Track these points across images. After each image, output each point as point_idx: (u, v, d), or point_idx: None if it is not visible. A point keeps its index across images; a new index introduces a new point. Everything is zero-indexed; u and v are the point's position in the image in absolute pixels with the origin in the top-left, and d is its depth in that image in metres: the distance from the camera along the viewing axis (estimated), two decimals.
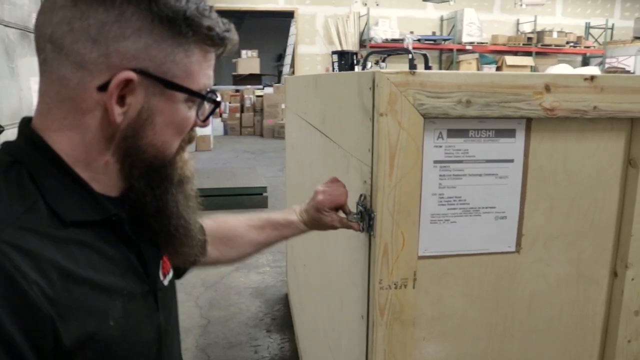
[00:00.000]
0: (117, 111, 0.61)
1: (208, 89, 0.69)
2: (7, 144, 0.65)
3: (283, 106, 10.27)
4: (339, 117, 1.28)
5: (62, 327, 0.57)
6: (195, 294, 3.38)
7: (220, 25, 0.66)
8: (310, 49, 12.16)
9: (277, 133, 10.75)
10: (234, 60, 12.75)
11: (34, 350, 0.55)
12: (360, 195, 1.03)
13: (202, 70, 0.67)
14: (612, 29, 13.30)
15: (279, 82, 12.50)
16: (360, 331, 1.08)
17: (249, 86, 11.84)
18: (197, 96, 0.66)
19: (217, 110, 0.71)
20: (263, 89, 11.63)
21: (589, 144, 1.05)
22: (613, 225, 1.10)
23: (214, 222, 1.07)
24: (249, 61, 12.58)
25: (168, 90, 0.63)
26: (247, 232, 1.09)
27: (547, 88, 0.96)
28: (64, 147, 0.63)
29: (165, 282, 0.79)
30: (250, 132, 11.42)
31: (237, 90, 11.74)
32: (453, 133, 0.97)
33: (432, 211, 1.00)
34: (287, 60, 12.09)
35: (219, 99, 0.71)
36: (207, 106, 0.71)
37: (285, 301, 3.32)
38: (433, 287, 1.03)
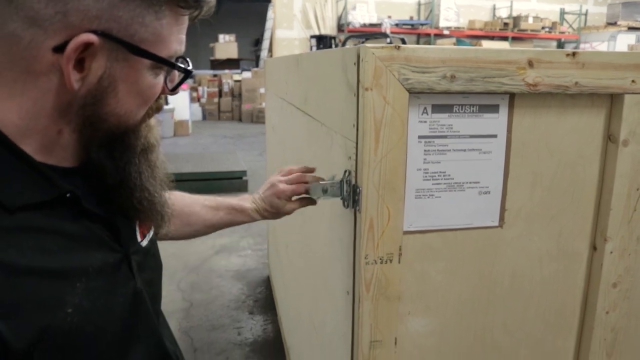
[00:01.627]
0: (75, 77, 0.55)
1: (179, 56, 0.63)
2: None
3: (262, 90, 10.22)
4: (322, 94, 1.28)
5: (8, 328, 0.52)
6: (177, 278, 3.36)
7: None
8: (288, 33, 12.07)
9: (256, 118, 10.69)
10: (211, 44, 12.61)
11: None
12: (345, 171, 1.03)
13: (173, 35, 0.60)
14: (585, 14, 13.46)
15: (256, 66, 12.40)
16: (346, 307, 1.09)
17: (226, 71, 11.74)
18: (166, 64, 0.60)
19: (191, 83, 0.62)
20: (241, 73, 11.54)
21: (570, 120, 1.06)
22: (593, 200, 1.12)
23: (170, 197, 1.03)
24: (226, 46, 12.45)
25: (133, 56, 0.57)
26: (202, 212, 1.09)
27: (530, 63, 0.97)
28: (12, 116, 0.56)
29: (145, 243, 0.74)
30: (229, 117, 11.33)
31: (214, 75, 11.63)
32: (437, 108, 0.98)
33: (417, 186, 1.00)
34: (265, 44, 11.98)
35: (190, 67, 0.65)
36: (177, 74, 0.66)
37: (267, 283, 3.32)
38: (418, 262, 1.04)
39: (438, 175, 1.01)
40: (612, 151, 1.09)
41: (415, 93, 0.94)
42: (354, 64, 0.94)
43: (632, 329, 1.25)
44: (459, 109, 0.99)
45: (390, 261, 0.99)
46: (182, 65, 0.63)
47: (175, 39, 0.60)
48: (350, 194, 0.99)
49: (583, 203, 1.12)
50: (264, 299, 3.19)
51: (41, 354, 0.55)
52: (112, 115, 0.59)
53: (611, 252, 1.14)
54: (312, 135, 1.45)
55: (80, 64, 0.54)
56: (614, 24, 12.42)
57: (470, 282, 1.09)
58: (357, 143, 0.96)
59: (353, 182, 0.98)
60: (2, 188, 0.54)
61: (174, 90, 0.66)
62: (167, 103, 0.70)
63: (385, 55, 0.90)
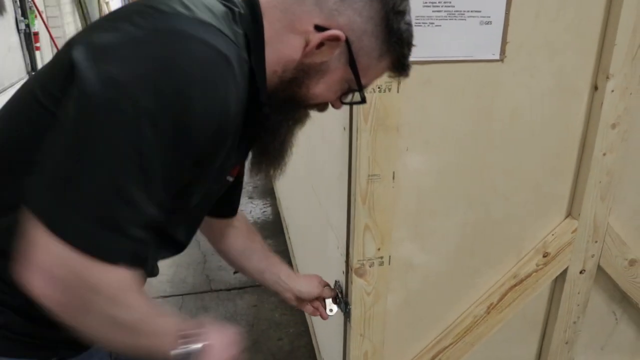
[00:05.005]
0: (312, 50, 0.72)
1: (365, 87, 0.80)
2: None
3: None
4: None
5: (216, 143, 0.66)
6: None
7: (407, 61, 0.77)
8: None
9: None
10: None
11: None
12: None
13: (374, 75, 0.78)
14: None
15: None
16: (343, 144, 1.08)
17: None
18: (357, 85, 0.76)
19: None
20: None
21: None
22: (598, 35, 1.09)
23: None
24: None
25: (347, 66, 0.74)
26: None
27: None
28: (266, 31, 0.74)
29: (230, 178, 0.88)
30: None
31: None
32: None
33: (416, 13, 0.96)
34: None
35: (366, 101, 0.82)
36: (352, 97, 0.82)
37: None
38: (417, 94, 1.02)
39: (439, 2, 0.97)
40: None
41: None
42: None
43: (627, 173, 1.26)
44: None
45: (389, 90, 0.97)
46: (362, 96, 0.80)
47: (371, 78, 0.78)
48: None
49: (587, 37, 1.09)
50: (263, 186, 3.22)
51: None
52: (304, 87, 0.76)
53: (612, 91, 1.13)
54: None
55: (320, 45, 0.71)
56: None
57: (470, 118, 1.08)
58: None
59: None
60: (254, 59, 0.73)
61: (342, 103, 0.82)
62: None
63: None
